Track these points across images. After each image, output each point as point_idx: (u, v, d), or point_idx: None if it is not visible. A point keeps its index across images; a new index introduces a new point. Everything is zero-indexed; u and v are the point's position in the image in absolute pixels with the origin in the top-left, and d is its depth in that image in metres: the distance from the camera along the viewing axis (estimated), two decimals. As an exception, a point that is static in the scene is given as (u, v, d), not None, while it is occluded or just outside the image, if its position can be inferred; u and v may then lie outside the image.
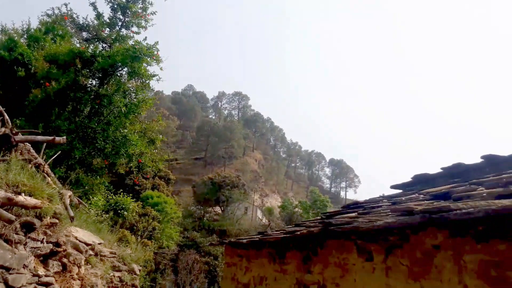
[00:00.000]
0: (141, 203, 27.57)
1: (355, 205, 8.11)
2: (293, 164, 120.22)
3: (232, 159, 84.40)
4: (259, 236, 5.46)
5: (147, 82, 13.21)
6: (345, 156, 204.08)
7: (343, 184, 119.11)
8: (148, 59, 12.82)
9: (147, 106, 13.28)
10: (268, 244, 4.99)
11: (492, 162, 6.47)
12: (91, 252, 6.46)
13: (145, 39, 13.12)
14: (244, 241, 5.43)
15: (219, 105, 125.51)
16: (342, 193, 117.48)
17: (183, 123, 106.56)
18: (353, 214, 6.43)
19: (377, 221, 3.64)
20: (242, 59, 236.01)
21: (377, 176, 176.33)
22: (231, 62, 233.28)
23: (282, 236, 4.34)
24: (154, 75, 13.27)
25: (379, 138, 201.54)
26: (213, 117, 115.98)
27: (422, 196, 6.10)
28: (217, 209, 52.52)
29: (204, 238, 38.98)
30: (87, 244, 6.27)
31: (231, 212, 50.21)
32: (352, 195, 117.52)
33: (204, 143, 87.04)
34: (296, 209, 46.63)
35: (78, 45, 14.94)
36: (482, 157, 6.60)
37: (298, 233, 4.00)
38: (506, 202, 2.57)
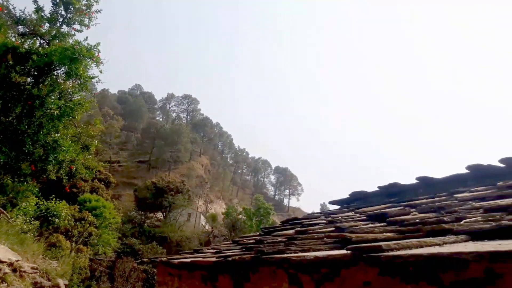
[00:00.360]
0: (78, 206, 26.48)
1: (293, 221, 8.07)
2: (239, 171, 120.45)
3: (178, 164, 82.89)
4: (191, 257, 5.21)
5: (85, 84, 12.49)
6: (290, 164, 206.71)
7: (286, 192, 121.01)
8: (88, 60, 12.15)
9: (83, 109, 12.55)
10: (200, 266, 4.76)
11: (426, 184, 6.68)
12: (7, 269, 5.87)
13: (86, 39, 12.39)
14: (176, 261, 5.15)
15: (168, 107, 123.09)
16: (286, 201, 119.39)
17: (128, 123, 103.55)
18: (291, 232, 6.35)
19: (311, 249, 3.54)
20: (194, 62, 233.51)
21: (320, 184, 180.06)
22: (182, 65, 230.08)
23: (214, 261, 4.12)
24: (93, 77, 12.57)
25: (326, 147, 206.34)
26: (161, 119, 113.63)
27: (358, 215, 6.14)
28: (159, 215, 51.25)
29: (144, 245, 37.87)
30: (2, 262, 5.70)
31: (174, 219, 49.19)
32: (295, 203, 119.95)
33: (149, 146, 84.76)
34: (240, 216, 46.46)
35: (13, 39, 13.88)
36: (417, 178, 6.80)
37: (230, 259, 3.80)
38: (436, 240, 2.53)
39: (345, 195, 8.81)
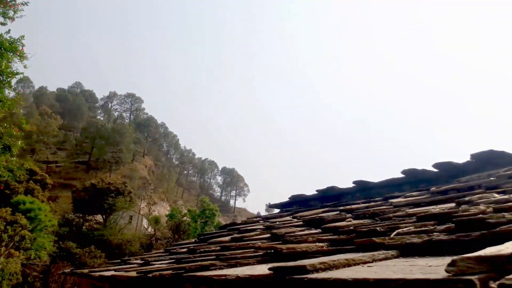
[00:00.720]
0: (10, 209, 25.19)
1: (231, 227, 7.82)
2: (185, 172, 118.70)
3: (119, 165, 79.99)
4: (113, 269, 4.79)
5: (8, 80, 11.51)
6: (237, 165, 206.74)
7: (233, 193, 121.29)
8: (10, 55, 11.19)
9: (5, 108, 11.53)
10: (121, 281, 4.36)
11: (362, 188, 6.67)
12: None
13: (8, 31, 11.43)
14: (96, 274, 4.72)
15: (109, 106, 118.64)
16: (232, 202, 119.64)
17: (68, 122, 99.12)
18: (227, 239, 6.09)
19: (238, 264, 3.28)
20: (137, 59, 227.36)
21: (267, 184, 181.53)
22: (125, 62, 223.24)
23: (133, 276, 3.75)
24: (17, 73, 11.56)
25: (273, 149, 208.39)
26: (102, 118, 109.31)
27: (295, 220, 6.01)
28: (99, 217, 49.23)
29: (81, 249, 36.16)
30: None
31: (114, 221, 47.45)
32: (241, 203, 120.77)
33: (89, 146, 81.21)
34: (185, 218, 45.67)
35: None
36: (354, 182, 6.79)
37: (150, 275, 3.44)
38: (366, 257, 2.35)
39: (290, 195, 8.73)
